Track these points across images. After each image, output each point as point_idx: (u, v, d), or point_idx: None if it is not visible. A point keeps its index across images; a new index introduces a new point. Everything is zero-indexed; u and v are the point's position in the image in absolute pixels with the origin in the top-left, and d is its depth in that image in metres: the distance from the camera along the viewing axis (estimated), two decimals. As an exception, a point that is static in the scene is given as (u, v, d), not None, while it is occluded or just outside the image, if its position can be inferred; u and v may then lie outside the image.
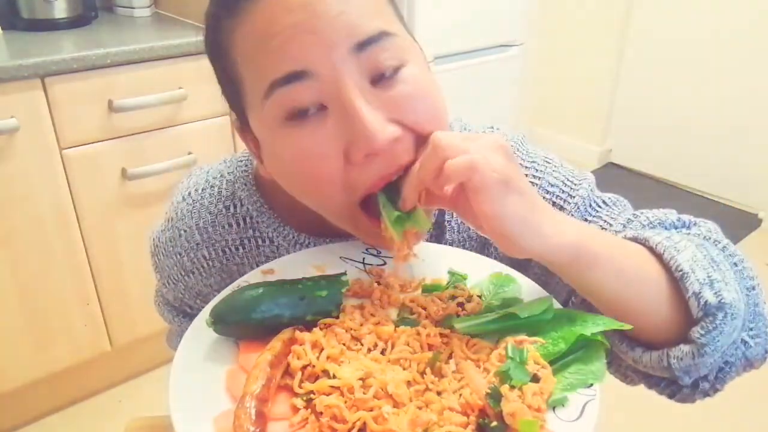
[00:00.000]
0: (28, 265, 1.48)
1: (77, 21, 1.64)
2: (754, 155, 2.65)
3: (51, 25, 1.60)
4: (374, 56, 0.50)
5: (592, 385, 0.47)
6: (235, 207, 0.67)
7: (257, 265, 0.68)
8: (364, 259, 0.63)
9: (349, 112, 0.49)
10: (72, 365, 1.64)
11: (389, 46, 0.50)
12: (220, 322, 0.52)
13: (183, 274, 0.70)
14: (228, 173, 0.69)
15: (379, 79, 0.51)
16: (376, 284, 0.59)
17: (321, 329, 0.53)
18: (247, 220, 0.67)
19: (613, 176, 3.03)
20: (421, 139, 0.53)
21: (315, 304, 0.54)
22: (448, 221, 0.69)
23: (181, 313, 0.77)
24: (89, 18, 1.69)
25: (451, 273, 0.61)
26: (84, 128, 1.45)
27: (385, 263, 0.63)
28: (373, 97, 0.50)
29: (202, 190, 0.69)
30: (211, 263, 0.69)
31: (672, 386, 0.57)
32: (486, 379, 0.48)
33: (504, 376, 0.47)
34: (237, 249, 0.68)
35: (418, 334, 0.52)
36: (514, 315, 0.53)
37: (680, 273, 0.51)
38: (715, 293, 0.50)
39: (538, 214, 0.48)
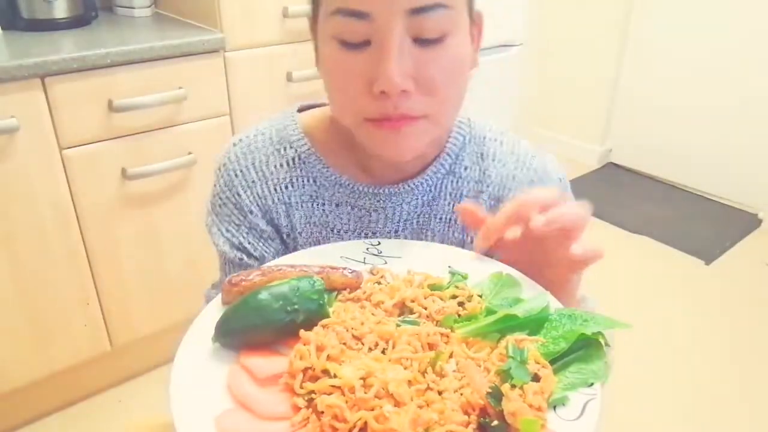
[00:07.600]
0: (28, 265, 1.48)
1: (77, 21, 1.63)
2: (754, 155, 2.65)
3: (51, 25, 1.59)
4: (422, 22, 0.59)
5: (593, 384, 0.47)
6: (285, 149, 0.75)
7: (301, 207, 0.75)
8: (365, 258, 0.63)
9: (383, 54, 0.59)
10: (72, 365, 1.64)
11: (438, 18, 0.59)
12: (226, 335, 0.52)
13: (243, 216, 0.75)
14: (277, 123, 0.78)
15: (421, 41, 0.60)
16: (376, 284, 0.59)
17: (323, 328, 0.52)
18: (296, 160, 0.75)
19: (613, 176, 3.04)
20: (428, 99, 0.62)
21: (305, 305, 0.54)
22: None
23: (240, 249, 0.77)
24: (89, 18, 1.68)
25: (452, 273, 0.61)
26: (84, 128, 1.44)
27: (386, 262, 0.63)
28: (407, 51, 0.59)
29: (254, 136, 0.77)
30: (263, 201, 0.75)
31: None
32: (487, 378, 0.48)
33: (505, 375, 0.47)
34: (286, 187, 0.75)
35: (419, 333, 0.52)
36: (514, 316, 0.53)
37: None
38: None
39: None
